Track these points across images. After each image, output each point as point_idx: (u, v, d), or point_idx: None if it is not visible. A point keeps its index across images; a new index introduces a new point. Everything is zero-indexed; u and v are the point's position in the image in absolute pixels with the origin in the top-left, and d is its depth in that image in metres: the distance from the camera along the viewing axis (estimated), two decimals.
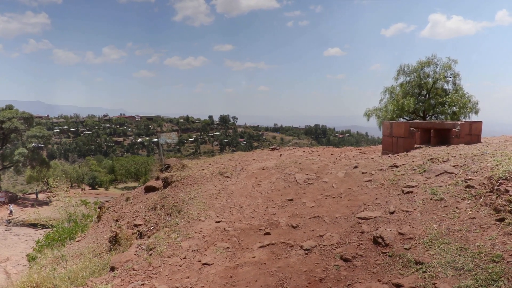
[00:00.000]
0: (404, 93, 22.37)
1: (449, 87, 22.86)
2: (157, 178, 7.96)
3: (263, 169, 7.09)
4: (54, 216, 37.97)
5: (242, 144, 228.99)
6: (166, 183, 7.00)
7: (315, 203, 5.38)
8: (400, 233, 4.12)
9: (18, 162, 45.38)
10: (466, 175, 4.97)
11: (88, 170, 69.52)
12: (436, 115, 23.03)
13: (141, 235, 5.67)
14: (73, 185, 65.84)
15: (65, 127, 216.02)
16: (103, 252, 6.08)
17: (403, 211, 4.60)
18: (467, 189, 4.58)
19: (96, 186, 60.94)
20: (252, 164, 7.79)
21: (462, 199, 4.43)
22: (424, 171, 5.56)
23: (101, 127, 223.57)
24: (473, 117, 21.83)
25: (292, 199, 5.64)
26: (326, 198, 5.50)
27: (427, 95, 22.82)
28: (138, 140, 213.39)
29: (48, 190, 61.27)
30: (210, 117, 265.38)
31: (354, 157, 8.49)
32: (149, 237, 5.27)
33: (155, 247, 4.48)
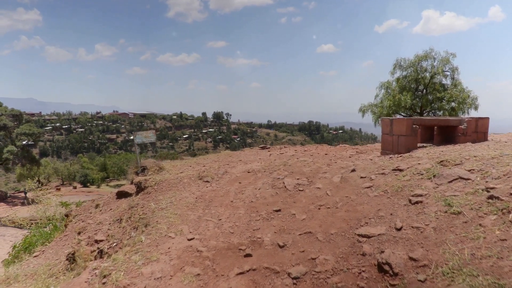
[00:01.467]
0: (401, 88, 21.55)
1: (447, 81, 22.07)
2: (132, 182, 7.12)
3: (248, 172, 6.24)
4: (39, 215, 37.11)
5: (236, 141, 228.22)
6: (140, 188, 6.15)
7: (306, 215, 4.54)
8: (411, 258, 3.28)
9: (7, 160, 44.50)
10: (486, 182, 4.14)
11: (79, 168, 68.39)
12: (433, 111, 22.29)
13: (101, 254, 4.82)
14: (65, 183, 64.77)
15: (58, 124, 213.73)
16: (59, 272, 5.20)
17: (412, 227, 3.76)
18: (490, 200, 3.73)
19: (88, 184, 59.86)
20: (237, 166, 6.94)
21: (485, 214, 3.58)
22: (434, 176, 4.73)
23: (93, 124, 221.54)
24: (472, 113, 21.15)
25: (279, 210, 4.78)
26: (319, 209, 4.66)
27: (425, 90, 22.03)
28: (131, 137, 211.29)
29: (38, 188, 60.18)
30: (204, 114, 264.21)
31: (350, 157, 7.69)
32: (110, 256, 4.40)
33: (110, 274, 3.62)
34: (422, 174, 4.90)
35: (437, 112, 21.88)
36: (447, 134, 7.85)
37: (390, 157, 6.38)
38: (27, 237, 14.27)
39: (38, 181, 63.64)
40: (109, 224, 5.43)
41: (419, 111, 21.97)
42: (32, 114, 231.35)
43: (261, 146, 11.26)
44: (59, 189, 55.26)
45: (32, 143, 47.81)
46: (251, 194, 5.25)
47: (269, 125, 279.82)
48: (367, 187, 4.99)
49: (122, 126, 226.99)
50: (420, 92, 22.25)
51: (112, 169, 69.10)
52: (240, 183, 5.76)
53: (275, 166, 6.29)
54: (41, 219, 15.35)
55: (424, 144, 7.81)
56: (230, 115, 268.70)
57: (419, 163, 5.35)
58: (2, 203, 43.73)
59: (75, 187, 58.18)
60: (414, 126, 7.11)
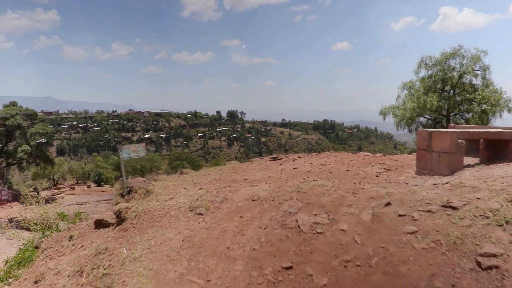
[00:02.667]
0: (426, 89, 19.82)
1: (477, 81, 20.19)
2: (116, 204, 6.03)
3: (253, 200, 5.01)
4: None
5: (250, 140, 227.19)
6: (120, 219, 5.02)
7: (328, 278, 3.25)
8: None
9: (22, 160, 44.63)
10: None
11: (94, 167, 68.52)
12: (461, 113, 20.53)
13: None
14: (79, 181, 64.95)
15: (74, 122, 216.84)
16: None
17: None
18: None
19: (102, 183, 59.69)
20: (240, 189, 5.70)
21: None
22: (507, 222, 3.40)
23: (109, 122, 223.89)
24: (505, 116, 19.31)
25: (290, 267, 3.48)
26: (346, 266, 3.38)
27: (452, 91, 20.24)
28: (146, 136, 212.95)
29: (54, 187, 60.39)
30: (218, 112, 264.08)
31: (378, 176, 6.37)
32: None
33: None
34: (487, 218, 3.56)
35: (465, 115, 20.18)
36: (497, 149, 6.44)
37: (434, 185, 5.02)
38: (20, 251, 13.38)
39: (53, 180, 64.07)
40: (68, 276, 4.27)
41: (445, 113, 20.22)
42: (50, 113, 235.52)
43: (272, 156, 10.02)
44: (73, 188, 55.24)
45: (44, 141, 47.53)
46: (254, 237, 4.00)
47: (284, 124, 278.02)
48: (410, 233, 3.68)
49: (138, 124, 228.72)
50: (446, 93, 20.49)
51: (125, 168, 68.82)
52: (241, 217, 4.51)
53: (286, 193, 5.04)
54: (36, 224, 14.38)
55: (470, 162, 6.41)
56: (245, 113, 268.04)
57: (478, 198, 4.02)
58: (16, 202, 43.69)
59: (89, 186, 58.10)
60: (459, 141, 5.74)
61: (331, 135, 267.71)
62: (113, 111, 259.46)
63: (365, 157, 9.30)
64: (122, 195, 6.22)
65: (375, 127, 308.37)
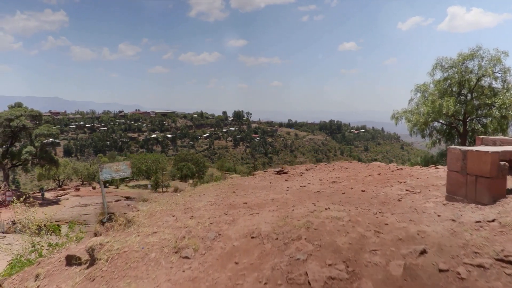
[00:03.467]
0: (441, 92, 18.65)
1: (497, 85, 18.93)
2: (95, 234, 5.16)
3: (252, 237, 4.08)
4: (61, 217, 36.11)
5: (256, 140, 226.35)
6: (92, 258, 4.17)
7: None
8: None
9: (26, 161, 44.43)
10: None
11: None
12: (478, 118, 19.34)
13: None
14: (84, 183, 64.68)
15: (81, 123, 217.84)
16: None
17: None
18: None
19: (107, 184, 59.17)
20: (238, 218, 4.73)
21: None
22: None
23: (116, 123, 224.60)
24: None
25: None
26: None
27: (470, 95, 19.04)
28: (153, 136, 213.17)
29: (59, 188, 60.09)
30: (224, 112, 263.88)
31: (400, 200, 5.43)
32: None
33: None
34: None
35: (483, 120, 18.99)
36: None
37: (478, 223, 4.02)
38: (8, 265, 12.61)
39: (58, 181, 63.81)
40: None
41: (461, 118, 19.02)
42: (57, 113, 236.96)
43: (277, 170, 9.06)
44: (78, 189, 54.85)
45: (49, 142, 47.06)
46: None
47: (290, 124, 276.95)
48: None
49: (144, 125, 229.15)
50: (463, 97, 19.27)
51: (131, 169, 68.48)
52: (236, 263, 3.58)
53: (293, 228, 4.10)
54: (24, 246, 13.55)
55: (509, 185, 5.42)
56: (251, 114, 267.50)
57: None
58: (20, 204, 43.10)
59: (94, 187, 57.71)
60: (502, 163, 4.78)
61: (337, 136, 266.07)
62: (120, 111, 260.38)
63: (380, 170, 8.36)
64: (102, 222, 5.37)
65: (382, 128, 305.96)
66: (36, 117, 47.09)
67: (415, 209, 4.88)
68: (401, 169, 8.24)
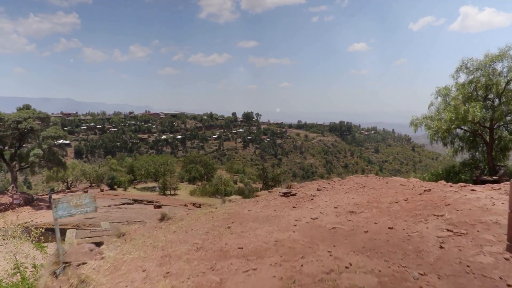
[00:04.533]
0: (465, 97, 17.27)
1: None
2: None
3: None
4: (68, 220, 35.63)
5: (265, 141, 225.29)
6: None
7: None
8: None
9: (34, 163, 44.25)
10: None
11: (108, 170, 68.11)
12: (506, 125, 17.91)
13: None
14: (93, 185, 64.53)
15: (92, 124, 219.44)
16: None
17: None
18: None
19: (115, 187, 58.91)
20: (227, 281, 3.68)
21: None
22: None
23: (126, 124, 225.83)
24: None
25: None
26: None
27: (498, 99, 17.57)
28: (162, 137, 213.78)
29: (67, 190, 59.94)
30: (234, 114, 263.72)
31: (443, 247, 4.39)
32: None
33: None
34: None
35: (511, 126, 17.61)
36: None
37: None
38: None
39: (67, 183, 63.73)
40: None
41: (488, 125, 17.57)
42: (68, 114, 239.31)
43: (284, 192, 7.93)
44: (86, 192, 54.57)
45: (58, 144, 46.67)
46: None
47: (299, 126, 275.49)
48: None
49: (154, 126, 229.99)
50: (490, 102, 17.85)
51: (139, 171, 68.37)
52: None
53: None
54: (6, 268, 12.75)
55: None
56: (260, 115, 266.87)
57: None
58: (28, 207, 42.98)
59: (102, 190, 57.40)
60: None
61: (347, 137, 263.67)
62: (130, 113, 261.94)
63: (404, 191, 7.31)
64: (55, 274, 4.45)
65: (393, 129, 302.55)
66: (44, 119, 46.93)
67: (468, 266, 3.85)
68: (429, 190, 7.19)
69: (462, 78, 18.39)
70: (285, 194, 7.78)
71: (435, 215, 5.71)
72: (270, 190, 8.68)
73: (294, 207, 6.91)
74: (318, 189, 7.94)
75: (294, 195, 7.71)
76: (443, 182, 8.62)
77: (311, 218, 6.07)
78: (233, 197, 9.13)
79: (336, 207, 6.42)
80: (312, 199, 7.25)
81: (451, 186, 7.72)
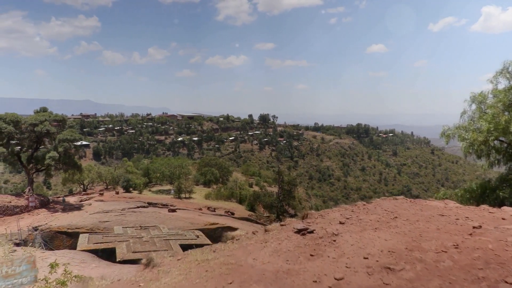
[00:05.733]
0: (505, 105, 15.51)
1: None
2: None
3: None
4: (82, 224, 35.26)
5: (282, 144, 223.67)
6: None
7: None
8: None
9: (49, 166, 44.44)
10: None
11: (124, 172, 68.19)
12: None
13: None
14: (109, 187, 64.76)
15: (110, 125, 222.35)
16: None
17: None
18: None
19: (131, 189, 58.79)
20: None
21: None
22: None
23: (144, 125, 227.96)
24: None
25: None
26: None
27: None
28: (179, 139, 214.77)
29: (83, 192, 60.16)
30: (250, 116, 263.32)
31: None
32: None
33: None
34: None
35: None
36: None
37: None
38: None
39: (83, 185, 64.02)
40: None
41: None
42: (87, 116, 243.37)
43: (299, 228, 6.40)
44: (102, 194, 54.59)
45: (73, 146, 46.60)
46: None
47: (316, 128, 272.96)
48: None
49: (171, 127, 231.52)
50: None
51: (154, 174, 68.23)
52: None
53: None
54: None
55: None
56: (277, 117, 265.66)
57: None
58: (43, 209, 43.13)
59: (117, 192, 57.42)
60: None
61: (364, 140, 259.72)
62: (148, 114, 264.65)
63: (446, 224, 6.05)
64: None
65: (411, 132, 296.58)
66: (61, 122, 47.11)
67: None
68: (480, 227, 5.89)
69: (503, 83, 16.58)
70: (301, 232, 6.36)
71: (507, 282, 4.32)
72: (282, 223, 7.36)
73: (312, 255, 5.47)
74: (340, 222, 6.60)
75: (311, 232, 6.33)
76: (486, 208, 7.31)
77: (335, 279, 4.66)
78: (238, 232, 7.91)
79: (366, 257, 5.07)
80: (334, 240, 5.85)
81: (503, 219, 6.40)
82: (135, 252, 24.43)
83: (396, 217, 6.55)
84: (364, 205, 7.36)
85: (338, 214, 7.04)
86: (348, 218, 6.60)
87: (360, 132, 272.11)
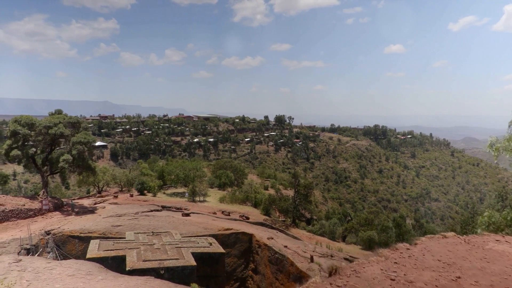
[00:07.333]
0: None
1: None
2: None
3: None
4: (94, 228, 34.62)
5: (298, 145, 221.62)
6: None
7: None
8: None
9: (63, 169, 44.22)
10: None
11: (138, 174, 67.84)
12: None
13: None
14: (124, 189, 64.43)
15: (127, 126, 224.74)
16: None
17: None
18: None
19: (145, 192, 58.30)
20: None
21: None
22: None
23: (160, 126, 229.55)
24: None
25: None
26: None
27: None
28: (195, 140, 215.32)
29: (98, 195, 59.99)
30: (266, 117, 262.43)
31: None
32: None
33: None
34: None
35: None
36: None
37: None
38: None
39: (98, 187, 63.89)
40: None
41: None
42: (105, 117, 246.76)
43: (331, 282, 4.44)
44: (116, 197, 54.23)
45: (87, 149, 46.23)
46: None
47: (333, 129, 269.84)
48: None
49: (187, 129, 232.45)
50: None
51: (168, 177, 67.63)
52: None
53: None
54: None
55: None
56: (293, 118, 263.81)
57: None
58: (57, 212, 42.84)
59: (132, 195, 56.96)
60: None
61: (382, 141, 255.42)
62: (164, 115, 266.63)
63: None
64: None
65: (430, 133, 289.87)
66: (75, 124, 46.91)
67: None
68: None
69: None
70: None
71: None
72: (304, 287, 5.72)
73: None
74: (391, 279, 4.93)
75: None
76: None
77: None
78: None
79: None
80: None
81: None
82: (146, 260, 23.57)
83: (459, 277, 4.94)
84: (408, 249, 5.81)
85: (377, 269, 5.37)
86: (393, 280, 4.95)
87: (378, 134, 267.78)
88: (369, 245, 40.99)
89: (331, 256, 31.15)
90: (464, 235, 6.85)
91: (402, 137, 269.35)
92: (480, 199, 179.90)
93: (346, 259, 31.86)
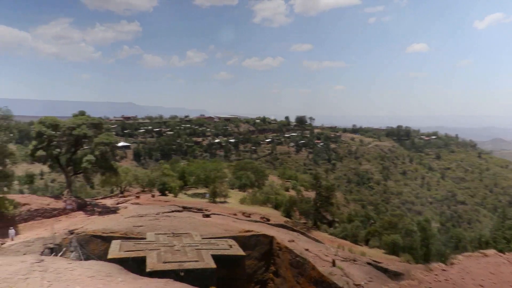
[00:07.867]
0: None
1: None
2: None
3: None
4: (117, 228, 34.90)
5: (319, 146, 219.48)
6: None
7: None
8: None
9: (86, 169, 44.97)
10: None
11: (160, 174, 68.43)
12: None
13: None
14: (145, 189, 65.02)
15: (150, 127, 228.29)
16: None
17: None
18: None
19: (166, 192, 58.72)
20: None
21: None
22: None
23: (181, 127, 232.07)
24: None
25: None
26: None
27: None
28: (216, 141, 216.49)
29: (120, 195, 60.82)
30: (287, 117, 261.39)
31: None
32: None
33: None
34: None
35: None
36: None
37: None
38: None
39: (120, 187, 64.76)
40: None
41: None
42: (128, 118, 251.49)
43: None
44: (138, 197, 54.72)
45: (108, 150, 46.80)
46: None
47: (354, 130, 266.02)
48: None
49: (208, 129, 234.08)
50: None
51: (189, 177, 67.96)
52: None
53: None
54: None
55: None
56: (314, 119, 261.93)
57: None
58: (80, 212, 43.45)
59: (153, 196, 57.39)
60: None
61: (405, 142, 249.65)
62: (186, 116, 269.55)
63: None
64: None
65: (456, 134, 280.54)
66: (97, 125, 47.59)
67: None
68: None
69: None
70: None
71: None
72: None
73: None
74: None
75: None
76: None
77: None
78: None
79: None
80: None
81: None
82: (165, 262, 23.47)
83: None
84: (444, 270, 5.01)
85: None
86: None
87: (401, 135, 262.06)
88: (393, 249, 39.78)
89: (354, 260, 30.31)
90: (507, 253, 6.04)
91: (426, 138, 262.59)
92: (509, 202, 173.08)
93: (369, 263, 30.91)
